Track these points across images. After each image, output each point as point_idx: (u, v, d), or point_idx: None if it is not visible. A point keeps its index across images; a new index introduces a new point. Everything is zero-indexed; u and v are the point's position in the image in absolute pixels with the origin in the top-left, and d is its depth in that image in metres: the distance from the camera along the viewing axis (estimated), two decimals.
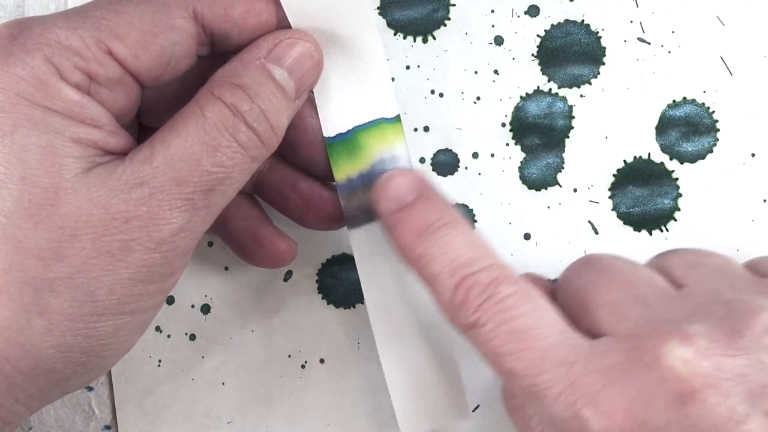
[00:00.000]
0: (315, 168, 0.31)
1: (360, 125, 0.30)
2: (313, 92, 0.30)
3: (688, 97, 0.35)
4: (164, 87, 0.28)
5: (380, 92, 0.30)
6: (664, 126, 0.35)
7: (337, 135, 0.30)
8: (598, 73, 0.35)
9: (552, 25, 0.34)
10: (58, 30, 0.25)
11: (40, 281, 0.24)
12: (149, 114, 0.29)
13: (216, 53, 0.28)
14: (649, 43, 0.34)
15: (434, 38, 0.34)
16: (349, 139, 0.30)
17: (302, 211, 0.31)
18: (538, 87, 0.35)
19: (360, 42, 0.29)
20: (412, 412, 0.31)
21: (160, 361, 0.35)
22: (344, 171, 0.30)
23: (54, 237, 0.24)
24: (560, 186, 0.35)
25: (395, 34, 0.34)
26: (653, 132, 0.35)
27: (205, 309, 0.35)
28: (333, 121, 0.30)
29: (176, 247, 0.25)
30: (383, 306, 0.31)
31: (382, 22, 0.34)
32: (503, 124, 0.35)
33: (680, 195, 0.35)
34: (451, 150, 0.35)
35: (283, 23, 0.28)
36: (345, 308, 0.35)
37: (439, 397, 0.31)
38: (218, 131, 0.25)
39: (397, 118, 0.30)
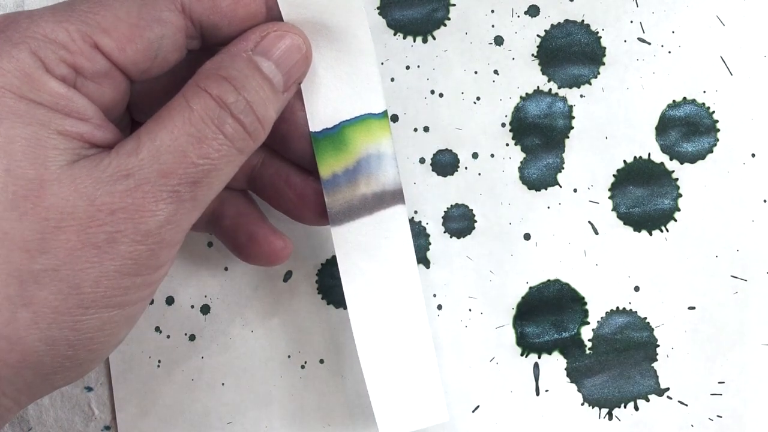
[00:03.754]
0: (307, 162, 0.31)
1: (346, 120, 0.30)
2: (300, 86, 0.30)
3: (688, 97, 0.35)
4: (155, 81, 0.28)
5: (368, 87, 0.30)
6: (664, 126, 0.35)
7: (323, 130, 0.30)
8: (598, 73, 0.35)
9: (552, 25, 0.34)
10: (44, 23, 0.25)
11: (26, 273, 0.24)
12: (141, 109, 0.29)
13: (206, 47, 0.28)
14: (649, 43, 0.34)
15: (434, 38, 0.34)
16: (335, 134, 0.30)
17: (296, 205, 0.31)
18: (538, 87, 0.35)
19: (350, 36, 0.29)
20: (391, 413, 0.31)
21: (159, 361, 0.35)
22: (330, 167, 0.30)
23: (39, 228, 0.24)
24: (560, 186, 0.35)
25: (395, 34, 0.34)
26: (653, 132, 0.35)
27: (205, 309, 0.35)
28: (319, 116, 0.30)
29: (162, 239, 0.25)
30: (364, 305, 0.31)
31: (382, 22, 0.34)
32: (503, 124, 0.35)
33: (680, 195, 0.35)
34: (451, 150, 0.35)
35: (272, 15, 0.28)
36: (345, 308, 0.35)
37: (419, 399, 0.31)
38: (204, 123, 0.25)
39: (384, 114, 0.30)
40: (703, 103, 0.35)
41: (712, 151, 0.35)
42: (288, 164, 0.31)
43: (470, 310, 0.35)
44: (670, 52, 0.34)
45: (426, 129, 0.35)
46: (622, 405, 0.35)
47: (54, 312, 0.24)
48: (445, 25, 0.34)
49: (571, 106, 0.35)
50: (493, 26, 0.34)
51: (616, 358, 0.35)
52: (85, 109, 0.25)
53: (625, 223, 0.35)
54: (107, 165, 0.25)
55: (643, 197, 0.35)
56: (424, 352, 0.31)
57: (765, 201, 0.35)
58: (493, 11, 0.34)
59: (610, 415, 0.35)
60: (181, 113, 0.25)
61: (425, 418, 0.31)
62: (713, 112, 0.35)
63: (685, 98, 0.35)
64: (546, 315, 0.35)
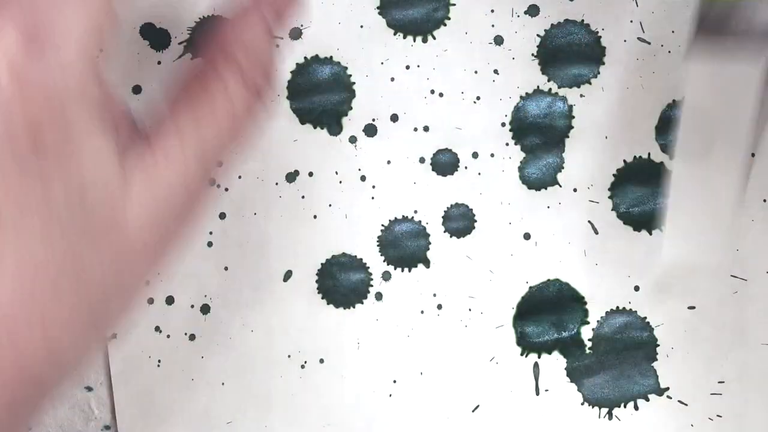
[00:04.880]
0: None
1: None
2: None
3: None
4: None
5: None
6: (664, 126, 0.35)
7: None
8: (598, 73, 0.35)
9: (552, 24, 0.34)
10: None
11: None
12: None
13: None
14: (649, 43, 0.34)
15: (434, 38, 0.34)
16: None
17: None
18: (538, 87, 0.35)
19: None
20: (680, 241, 0.30)
21: (159, 361, 0.35)
22: None
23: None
24: (560, 186, 0.35)
25: (395, 34, 0.34)
26: (653, 132, 0.35)
27: (205, 309, 0.35)
28: None
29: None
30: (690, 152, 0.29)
31: (382, 21, 0.34)
32: (503, 124, 0.35)
33: None
34: (451, 150, 0.35)
35: None
36: (345, 308, 0.35)
37: (709, 233, 0.30)
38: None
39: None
40: None
41: None
42: None
43: (470, 309, 0.35)
44: (670, 52, 0.34)
45: (426, 129, 0.35)
46: (622, 405, 0.35)
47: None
48: (445, 25, 0.34)
49: (571, 106, 0.35)
50: (493, 26, 0.34)
51: (616, 358, 0.35)
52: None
53: (625, 223, 0.35)
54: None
55: (643, 197, 0.35)
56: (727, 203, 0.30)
57: (765, 201, 0.35)
58: (493, 11, 0.34)
59: (610, 415, 0.35)
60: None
61: (708, 252, 0.31)
62: None
63: None
64: (546, 315, 0.35)
